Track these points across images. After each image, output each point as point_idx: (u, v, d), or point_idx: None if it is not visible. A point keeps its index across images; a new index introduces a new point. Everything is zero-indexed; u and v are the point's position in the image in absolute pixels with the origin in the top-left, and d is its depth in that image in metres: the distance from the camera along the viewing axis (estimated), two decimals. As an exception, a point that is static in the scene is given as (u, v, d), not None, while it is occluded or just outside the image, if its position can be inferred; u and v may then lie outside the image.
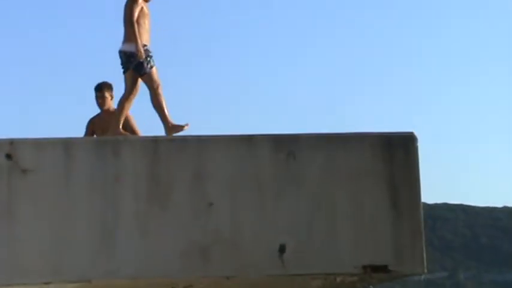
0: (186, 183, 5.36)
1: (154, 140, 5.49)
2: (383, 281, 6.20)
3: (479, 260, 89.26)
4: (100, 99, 7.14)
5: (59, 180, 5.23)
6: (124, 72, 6.55)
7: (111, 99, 7.17)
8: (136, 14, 6.32)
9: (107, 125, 6.79)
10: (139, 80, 6.52)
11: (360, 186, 5.54)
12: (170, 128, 6.39)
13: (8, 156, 5.17)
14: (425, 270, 5.63)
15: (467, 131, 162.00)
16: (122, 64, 6.52)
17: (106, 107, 7.16)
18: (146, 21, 6.45)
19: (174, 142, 5.55)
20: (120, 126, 6.56)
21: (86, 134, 7.26)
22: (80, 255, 5.19)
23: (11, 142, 5.21)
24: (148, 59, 6.45)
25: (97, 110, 7.37)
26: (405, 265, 5.58)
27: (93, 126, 7.24)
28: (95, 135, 7.16)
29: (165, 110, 6.46)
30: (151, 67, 6.47)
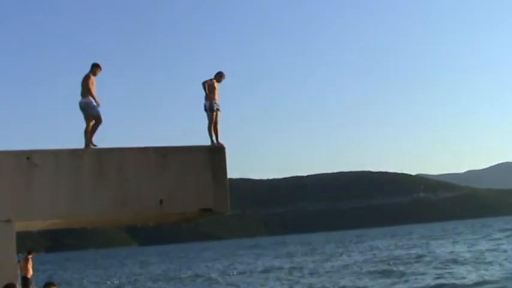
0: (113, 169, 13.05)
1: (98, 150, 13.16)
2: (209, 216, 14.39)
3: (256, 204, 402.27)
4: None
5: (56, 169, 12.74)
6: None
7: None
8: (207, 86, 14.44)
9: None
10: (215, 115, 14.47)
11: (198, 170, 13.54)
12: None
13: (28, 158, 12.58)
14: (229, 210, 13.83)
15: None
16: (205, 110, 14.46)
17: None
18: (217, 92, 14.51)
19: (110, 151, 13.21)
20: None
21: None
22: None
23: (30, 152, 12.63)
24: (214, 107, 14.46)
25: None
26: (220, 208, 13.69)
27: None
28: None
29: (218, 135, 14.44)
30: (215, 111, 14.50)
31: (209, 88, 14.47)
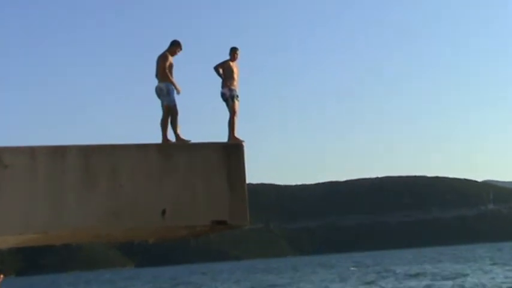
0: (105, 172, 13.00)
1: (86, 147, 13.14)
2: (224, 230, 14.33)
3: (282, 217, 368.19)
4: None
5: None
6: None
7: None
8: (221, 70, 14.12)
9: None
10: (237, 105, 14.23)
11: (210, 173, 13.46)
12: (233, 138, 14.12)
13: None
14: (248, 223, 13.74)
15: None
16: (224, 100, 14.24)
17: None
18: (235, 75, 14.15)
19: (100, 148, 13.19)
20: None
21: None
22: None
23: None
24: (235, 95, 14.23)
25: None
26: (237, 220, 13.62)
27: None
28: None
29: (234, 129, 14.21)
30: (234, 100, 14.27)
31: (225, 72, 14.24)
